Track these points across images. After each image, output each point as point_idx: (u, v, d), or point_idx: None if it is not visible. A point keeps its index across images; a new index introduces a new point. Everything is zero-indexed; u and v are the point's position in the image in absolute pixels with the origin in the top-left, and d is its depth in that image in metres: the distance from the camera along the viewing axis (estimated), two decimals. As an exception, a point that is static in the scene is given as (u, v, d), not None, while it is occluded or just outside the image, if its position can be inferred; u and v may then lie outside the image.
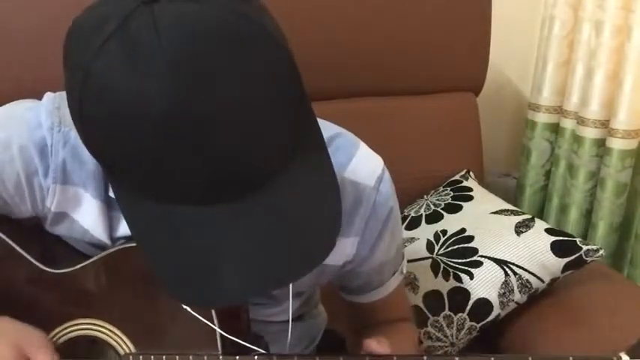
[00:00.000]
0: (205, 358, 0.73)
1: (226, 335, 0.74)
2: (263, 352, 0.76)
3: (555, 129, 1.69)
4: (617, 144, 1.52)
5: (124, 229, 0.78)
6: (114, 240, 0.79)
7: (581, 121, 1.59)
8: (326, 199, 0.64)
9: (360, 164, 0.82)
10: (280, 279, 0.63)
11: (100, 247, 0.79)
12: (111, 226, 0.78)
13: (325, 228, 0.63)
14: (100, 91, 0.56)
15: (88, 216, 0.77)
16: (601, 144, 1.57)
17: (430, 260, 1.26)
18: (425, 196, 1.46)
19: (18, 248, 0.79)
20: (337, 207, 0.64)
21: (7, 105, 0.79)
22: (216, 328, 0.73)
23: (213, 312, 0.74)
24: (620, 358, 0.70)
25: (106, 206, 0.77)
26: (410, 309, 1.03)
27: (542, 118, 1.69)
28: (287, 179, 0.61)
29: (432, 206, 1.40)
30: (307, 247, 0.62)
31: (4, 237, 0.79)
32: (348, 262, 0.86)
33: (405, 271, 0.96)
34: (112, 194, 0.75)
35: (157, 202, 0.60)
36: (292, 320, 0.82)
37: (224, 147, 0.56)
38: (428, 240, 1.31)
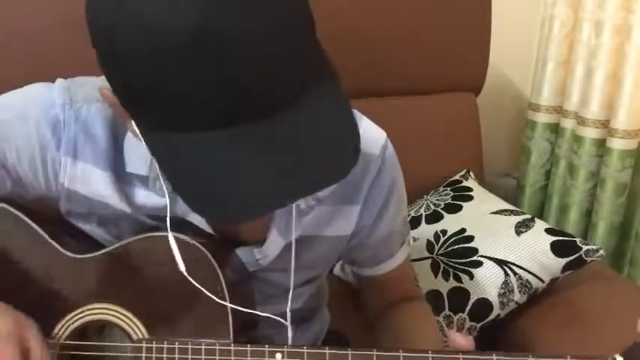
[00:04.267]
0: (217, 346, 0.75)
1: (240, 308, 0.76)
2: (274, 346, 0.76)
3: (555, 129, 1.69)
4: (617, 144, 1.52)
5: (141, 198, 0.80)
6: (135, 208, 0.80)
7: (581, 121, 1.59)
8: (344, 117, 0.65)
9: (365, 134, 0.83)
10: (306, 187, 0.63)
11: (123, 218, 0.80)
12: (127, 198, 0.80)
13: (347, 141, 0.64)
14: (129, 19, 0.58)
15: (100, 189, 0.79)
16: (601, 144, 1.57)
17: (430, 260, 1.27)
18: (425, 196, 1.46)
19: (40, 230, 0.81)
20: (354, 124, 0.65)
21: (23, 87, 0.82)
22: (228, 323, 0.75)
23: (226, 292, 0.75)
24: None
25: (117, 179, 0.79)
26: (415, 281, 1.03)
27: (542, 118, 1.70)
28: (308, 101, 0.63)
29: (432, 206, 1.41)
30: (332, 160, 0.63)
31: (27, 220, 0.81)
32: (354, 234, 0.88)
33: (412, 243, 0.98)
34: (127, 169, 0.78)
35: (182, 132, 0.61)
36: (297, 321, 0.82)
37: (247, 69, 0.58)
38: (428, 240, 1.31)
